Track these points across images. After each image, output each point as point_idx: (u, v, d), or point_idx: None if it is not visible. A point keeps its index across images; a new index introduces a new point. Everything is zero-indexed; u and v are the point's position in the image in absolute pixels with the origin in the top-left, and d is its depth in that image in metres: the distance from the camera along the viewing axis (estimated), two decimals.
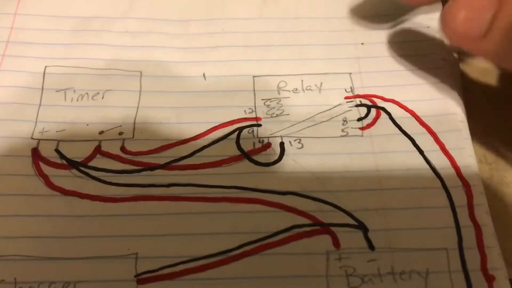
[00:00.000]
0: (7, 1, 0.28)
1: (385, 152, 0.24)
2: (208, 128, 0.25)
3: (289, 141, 0.24)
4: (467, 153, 0.24)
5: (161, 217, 0.22)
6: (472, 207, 0.22)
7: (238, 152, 0.24)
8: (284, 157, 0.24)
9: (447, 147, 0.24)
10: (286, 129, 0.25)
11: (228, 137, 0.25)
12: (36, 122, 0.25)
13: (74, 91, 0.26)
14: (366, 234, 0.22)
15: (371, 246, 0.22)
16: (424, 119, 0.25)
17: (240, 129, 0.25)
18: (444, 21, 0.22)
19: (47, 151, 0.24)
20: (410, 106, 0.25)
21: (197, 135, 0.25)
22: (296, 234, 0.22)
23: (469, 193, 0.23)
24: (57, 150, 0.24)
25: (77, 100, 0.25)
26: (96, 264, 0.21)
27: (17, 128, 0.24)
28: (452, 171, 0.24)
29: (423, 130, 0.25)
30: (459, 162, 0.24)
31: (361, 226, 0.22)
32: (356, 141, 0.24)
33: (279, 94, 0.26)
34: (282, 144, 0.24)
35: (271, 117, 0.25)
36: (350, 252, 0.22)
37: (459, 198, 0.23)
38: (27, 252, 0.21)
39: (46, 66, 0.26)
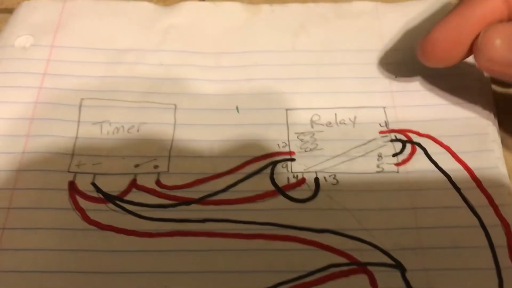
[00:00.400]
0: (44, 34, 0.28)
1: (422, 190, 0.24)
2: (242, 162, 0.25)
3: (324, 177, 0.24)
4: (505, 191, 0.24)
5: (196, 253, 0.22)
6: None
7: (272, 187, 0.24)
8: (319, 193, 0.24)
9: (485, 184, 0.24)
10: (320, 164, 0.25)
11: (262, 172, 0.25)
12: (72, 155, 0.25)
13: (110, 123, 0.26)
14: (404, 274, 0.22)
15: (409, 287, 0.21)
16: (460, 155, 0.25)
17: (274, 164, 0.25)
18: (479, 50, 0.23)
19: (83, 184, 0.24)
20: (445, 142, 0.25)
21: (231, 169, 0.25)
22: (333, 274, 0.22)
23: (508, 233, 0.23)
24: (93, 184, 0.24)
25: (113, 133, 0.25)
26: None
27: (54, 161, 0.25)
28: (490, 209, 0.23)
29: (460, 166, 0.24)
30: (497, 200, 0.23)
31: (399, 266, 0.22)
32: (392, 178, 0.24)
33: (312, 127, 0.26)
34: (317, 180, 0.24)
35: (305, 151, 0.25)
36: None
37: (499, 237, 0.22)
38: (62, 287, 0.21)
39: (82, 99, 0.26)
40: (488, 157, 0.25)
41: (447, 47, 0.24)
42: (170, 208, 0.24)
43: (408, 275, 0.22)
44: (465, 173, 0.24)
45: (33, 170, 0.24)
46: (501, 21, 0.23)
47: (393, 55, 0.28)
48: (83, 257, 0.22)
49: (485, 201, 0.23)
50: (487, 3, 0.23)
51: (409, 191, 0.24)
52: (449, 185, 0.24)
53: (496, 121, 0.26)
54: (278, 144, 0.25)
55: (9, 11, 0.31)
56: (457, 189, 0.24)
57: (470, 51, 0.23)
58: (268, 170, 0.25)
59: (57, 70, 0.27)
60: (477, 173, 0.24)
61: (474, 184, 0.24)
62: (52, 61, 0.28)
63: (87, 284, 0.22)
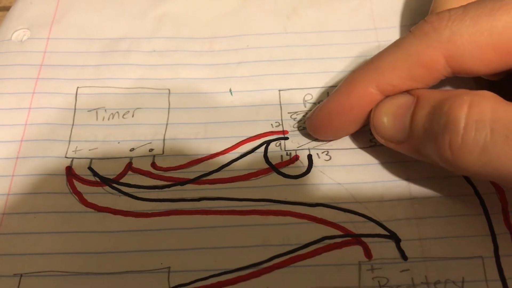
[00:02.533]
0: (41, 27, 0.29)
1: (415, 161, 0.24)
2: (236, 143, 0.25)
3: (317, 153, 0.24)
4: None
5: (192, 231, 0.23)
6: (507, 213, 0.22)
7: (266, 165, 0.24)
8: (312, 169, 0.24)
9: None
10: (313, 141, 0.25)
11: (255, 151, 0.25)
12: (69, 141, 0.25)
13: (105, 110, 0.26)
14: (398, 244, 0.22)
15: (404, 256, 0.21)
16: None
17: (268, 143, 0.25)
18: (372, 129, 0.22)
19: (80, 169, 0.24)
20: None
21: (225, 150, 0.25)
22: (327, 246, 0.22)
23: (503, 200, 0.22)
24: (90, 168, 0.24)
25: (108, 119, 0.26)
26: (129, 278, 0.22)
27: (52, 147, 0.25)
28: None
29: None
30: None
31: (393, 236, 0.22)
32: (384, 151, 0.24)
33: (305, 107, 0.26)
34: (310, 157, 0.24)
35: (298, 130, 0.25)
36: (382, 263, 0.21)
37: (493, 204, 0.22)
38: (62, 268, 0.22)
39: (78, 87, 0.27)
40: None
41: (332, 131, 0.24)
42: (166, 189, 0.24)
43: (403, 244, 0.22)
44: None
45: (31, 157, 0.25)
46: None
47: (385, 34, 0.28)
48: (81, 238, 0.23)
49: None
50: (359, 94, 0.22)
51: (402, 163, 0.24)
52: None
53: None
54: (272, 124, 0.26)
55: (7, 9, 0.32)
56: None
57: (362, 123, 0.23)
58: (262, 149, 0.25)
59: (53, 61, 0.28)
60: None
61: None
62: (48, 53, 0.28)
63: (86, 265, 0.22)
